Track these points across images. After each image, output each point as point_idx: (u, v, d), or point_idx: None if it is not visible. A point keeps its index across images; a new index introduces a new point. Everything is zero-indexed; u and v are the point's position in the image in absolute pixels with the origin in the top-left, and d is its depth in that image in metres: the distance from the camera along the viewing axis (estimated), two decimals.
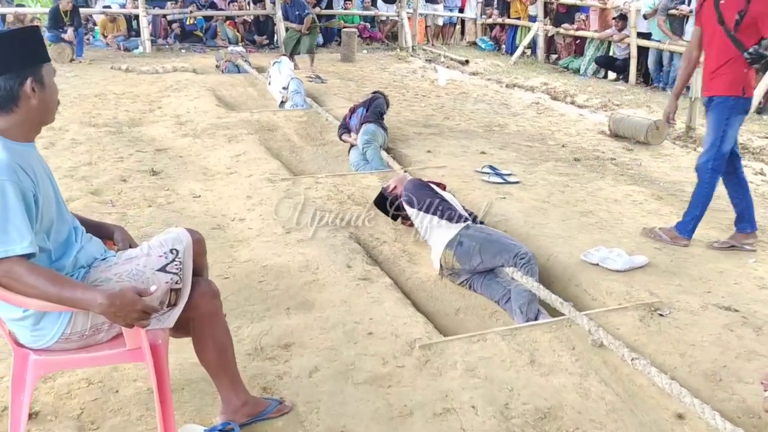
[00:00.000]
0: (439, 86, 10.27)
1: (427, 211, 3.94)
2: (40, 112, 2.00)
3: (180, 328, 2.23)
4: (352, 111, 6.45)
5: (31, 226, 1.87)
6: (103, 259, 2.16)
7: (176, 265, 2.14)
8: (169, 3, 14.04)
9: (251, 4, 14.66)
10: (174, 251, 2.15)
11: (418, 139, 6.64)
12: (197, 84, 9.07)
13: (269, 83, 8.78)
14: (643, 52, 10.77)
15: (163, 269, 2.12)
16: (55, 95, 2.04)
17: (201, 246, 2.29)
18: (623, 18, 10.92)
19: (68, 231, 2.10)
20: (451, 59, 13.10)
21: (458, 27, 16.31)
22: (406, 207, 4.09)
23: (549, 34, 13.05)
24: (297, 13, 10.72)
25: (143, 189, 4.96)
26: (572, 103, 9.34)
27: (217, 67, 10.90)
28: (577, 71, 12.12)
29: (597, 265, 3.80)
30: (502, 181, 5.30)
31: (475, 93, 9.75)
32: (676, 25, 9.95)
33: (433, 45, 15.28)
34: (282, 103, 8.23)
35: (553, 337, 3.03)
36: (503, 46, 14.88)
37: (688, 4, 9.73)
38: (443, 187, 4.23)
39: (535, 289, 3.42)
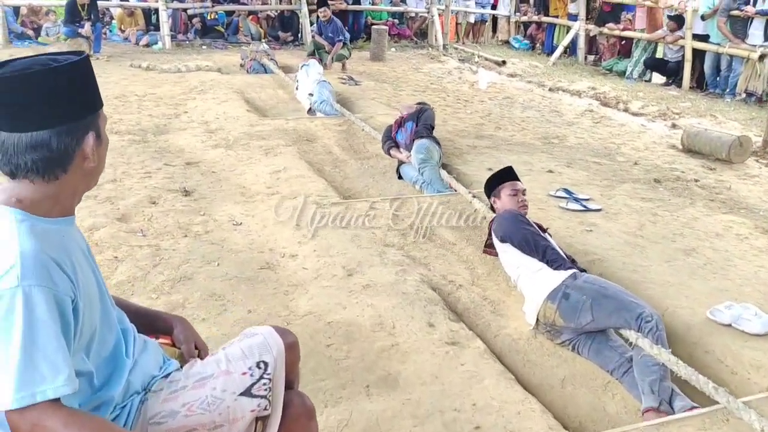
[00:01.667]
0: (480, 89, 9.60)
1: (525, 252, 3.30)
2: (92, 177, 1.41)
3: None
4: (399, 124, 5.80)
5: (69, 347, 1.25)
6: (165, 376, 1.53)
7: (264, 384, 1.51)
8: None
9: None
10: (262, 365, 1.53)
11: (473, 154, 5.98)
12: (223, 85, 8.43)
13: (296, 88, 8.12)
14: (697, 55, 10.06)
15: (247, 392, 1.50)
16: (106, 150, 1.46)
17: (295, 353, 1.66)
18: (678, 19, 10.19)
19: (116, 340, 1.47)
20: (486, 59, 12.41)
21: (489, 24, 15.57)
22: (497, 243, 3.45)
23: (591, 34, 12.33)
24: (330, 35, 10.14)
25: (176, 213, 4.34)
26: (626, 110, 8.65)
27: (241, 65, 10.27)
28: (621, 74, 11.42)
29: (729, 326, 3.15)
30: (582, 208, 4.65)
31: (520, 98, 9.07)
32: (738, 26, 9.23)
33: (464, 43, 14.58)
34: (310, 110, 7.57)
35: None
36: (538, 46, 14.17)
37: (753, 5, 9.00)
38: (543, 229, 3.58)
39: (671, 364, 2.77)
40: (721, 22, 9.27)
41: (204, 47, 12.57)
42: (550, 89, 10.00)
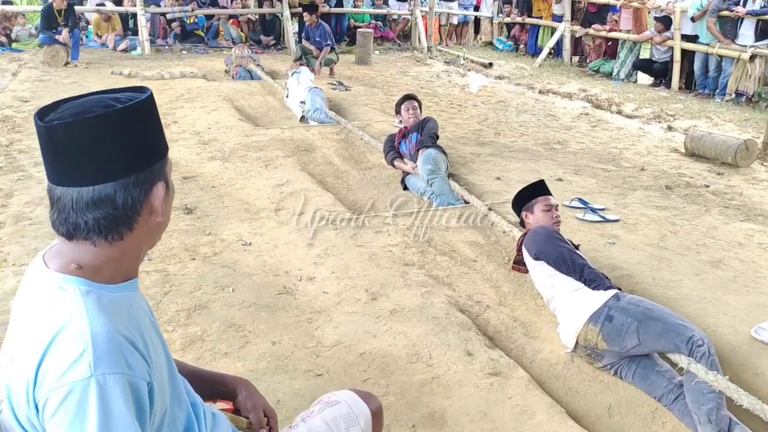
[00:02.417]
0: (471, 93, 9.47)
1: (561, 271, 3.15)
2: (158, 233, 1.22)
3: None
4: (403, 135, 5.62)
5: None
6: None
7: None
8: (167, 0, 13.08)
9: (260, 2, 13.70)
10: None
11: (478, 162, 5.83)
12: (211, 93, 8.18)
13: (287, 96, 7.90)
14: (685, 55, 10.04)
15: None
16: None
17: (381, 420, 1.47)
18: (665, 19, 10.16)
19: (186, 417, 1.27)
20: (472, 61, 12.28)
21: (471, 26, 15.45)
22: (530, 260, 3.29)
23: (577, 35, 12.28)
24: (318, 39, 9.91)
25: (181, 234, 4.11)
26: (619, 112, 8.58)
27: (226, 72, 10.02)
28: (608, 75, 11.38)
29: None
30: (599, 219, 4.52)
31: (513, 101, 8.95)
32: (728, 27, 9.21)
33: (447, 45, 14.45)
34: (302, 118, 7.36)
35: None
36: (522, 47, 14.09)
37: (743, 5, 8.99)
38: (575, 246, 3.43)
39: (730, 392, 2.63)
40: (710, 23, 9.25)
41: (184, 52, 12.27)
42: (540, 92, 9.90)
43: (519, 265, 3.53)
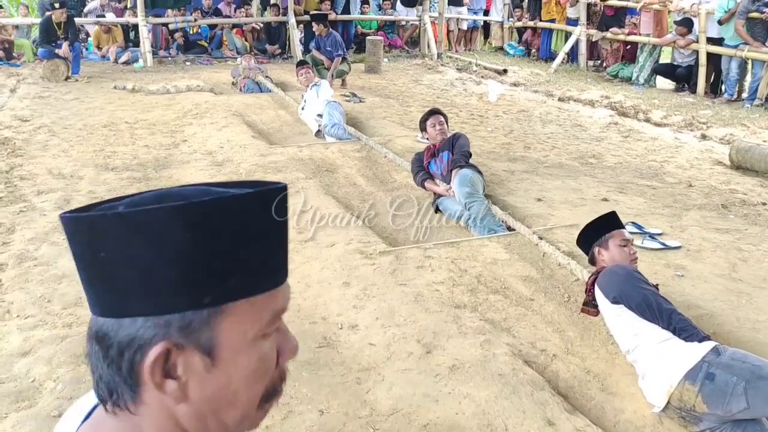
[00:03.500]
0: (490, 102, 9.07)
1: (645, 317, 2.75)
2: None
3: None
4: (432, 154, 5.22)
5: None
6: None
7: None
8: (168, 10, 12.69)
9: (263, 10, 13.32)
10: None
11: (513, 181, 5.43)
12: (220, 108, 7.78)
13: (302, 108, 7.50)
14: (710, 59, 9.64)
15: None
16: None
17: None
18: (687, 22, 9.77)
19: None
20: (485, 68, 11.89)
21: (481, 31, 15.06)
22: (606, 304, 2.89)
23: (593, 39, 11.88)
24: (329, 49, 9.48)
25: None
26: (647, 120, 8.19)
27: (233, 84, 9.62)
28: (627, 79, 10.99)
29: None
30: (660, 246, 4.11)
31: (535, 111, 8.55)
32: (758, 29, 8.81)
33: (456, 51, 14.06)
34: (318, 132, 6.97)
35: None
36: (534, 52, 13.70)
37: None
38: (655, 286, 3.02)
39: None
40: (739, 25, 8.86)
41: (188, 63, 11.89)
42: (560, 99, 9.51)
43: (589, 306, 3.13)
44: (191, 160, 5.89)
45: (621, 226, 3.13)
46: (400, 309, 3.31)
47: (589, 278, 3.12)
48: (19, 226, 4.27)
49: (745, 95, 9.30)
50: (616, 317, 2.88)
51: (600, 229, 3.11)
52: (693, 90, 9.84)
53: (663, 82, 10.85)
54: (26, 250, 3.90)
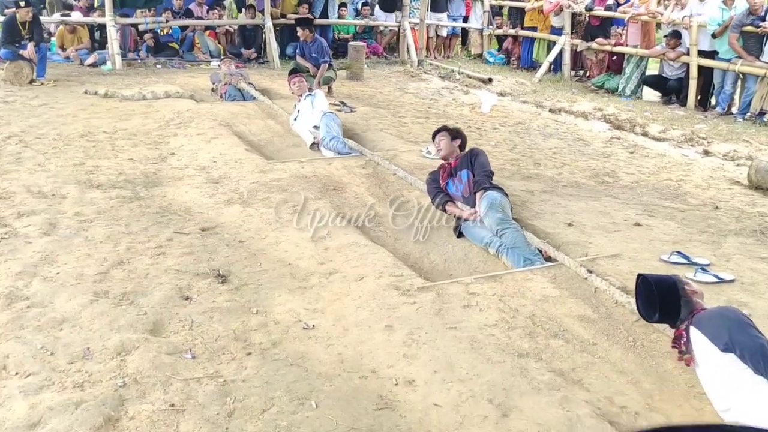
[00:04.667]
0: (483, 113, 8.78)
1: (758, 370, 2.44)
2: None
3: None
4: (448, 173, 4.88)
5: None
6: None
7: None
8: (138, 11, 12.06)
9: (238, 11, 12.78)
10: None
11: (536, 202, 5.11)
12: (205, 117, 7.29)
13: (294, 119, 7.06)
14: (701, 72, 9.54)
15: None
16: None
17: None
18: (676, 35, 9.65)
19: None
20: (468, 76, 11.61)
21: (460, 38, 14.78)
22: (711, 352, 2.57)
23: (578, 49, 11.72)
24: (314, 56, 9.01)
25: (222, 314, 3.27)
26: (645, 134, 8.00)
27: (213, 90, 9.11)
28: (613, 91, 10.83)
29: None
30: (714, 279, 3.83)
31: (532, 123, 8.29)
32: (752, 43, 8.73)
33: (435, 58, 13.75)
34: (313, 144, 6.55)
35: None
36: (514, 60, 13.47)
37: None
38: None
39: None
40: (732, 38, 8.77)
41: (159, 66, 11.28)
42: (551, 110, 9.27)
43: (682, 354, 2.83)
44: (183, 176, 5.41)
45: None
46: (458, 359, 2.94)
47: (686, 323, 2.80)
48: (2, 256, 3.74)
49: (735, 109, 9.22)
50: (721, 368, 2.57)
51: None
52: (683, 103, 9.72)
53: (649, 94, 10.74)
54: (15, 287, 3.40)
